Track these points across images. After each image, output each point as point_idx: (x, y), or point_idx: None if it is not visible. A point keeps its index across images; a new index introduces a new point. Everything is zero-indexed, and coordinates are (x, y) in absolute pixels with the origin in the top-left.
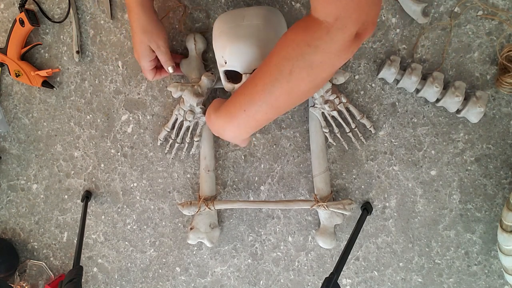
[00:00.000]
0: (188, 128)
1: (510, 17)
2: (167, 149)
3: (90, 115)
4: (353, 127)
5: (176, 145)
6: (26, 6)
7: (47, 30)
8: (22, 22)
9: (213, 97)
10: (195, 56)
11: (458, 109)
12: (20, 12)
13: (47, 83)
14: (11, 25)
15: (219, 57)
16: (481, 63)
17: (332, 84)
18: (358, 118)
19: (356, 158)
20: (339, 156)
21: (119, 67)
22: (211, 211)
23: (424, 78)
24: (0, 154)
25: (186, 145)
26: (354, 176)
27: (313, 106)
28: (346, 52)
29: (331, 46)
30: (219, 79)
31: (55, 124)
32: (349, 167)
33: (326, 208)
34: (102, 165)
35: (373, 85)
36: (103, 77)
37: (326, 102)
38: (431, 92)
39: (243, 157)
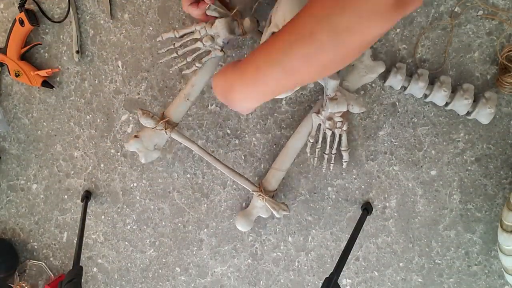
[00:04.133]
0: (196, 49)
1: (510, 17)
2: (163, 50)
3: (90, 115)
4: (332, 152)
5: (174, 55)
6: (26, 6)
7: (47, 30)
8: (22, 22)
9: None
10: None
11: (468, 111)
12: (20, 12)
13: (47, 83)
14: (11, 25)
15: (280, 17)
16: (481, 63)
17: (348, 109)
18: (342, 148)
19: (356, 158)
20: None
21: (119, 67)
22: (164, 135)
23: (431, 83)
24: (0, 154)
25: (184, 62)
26: (354, 176)
27: (317, 113)
28: (380, 20)
29: (361, 9)
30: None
31: (55, 124)
32: (349, 167)
33: (263, 200)
34: (102, 165)
35: (373, 85)
36: (103, 77)
37: (330, 119)
38: (439, 96)
39: (243, 157)
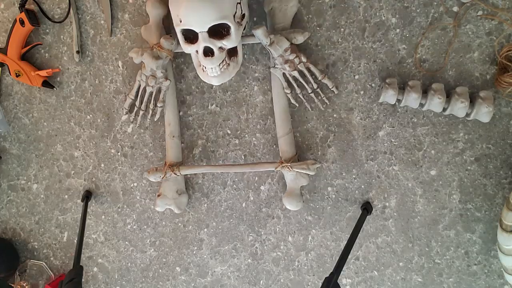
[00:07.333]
0: (151, 94)
1: (510, 17)
2: (132, 117)
3: (90, 115)
4: (315, 88)
5: (141, 112)
6: (26, 6)
7: (47, 30)
8: (22, 22)
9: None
10: (155, 21)
11: (467, 113)
12: (20, 12)
13: (47, 83)
14: (11, 25)
15: (175, 16)
16: (481, 63)
17: (291, 43)
18: (319, 78)
19: (356, 158)
20: (339, 156)
21: (119, 67)
22: (178, 177)
23: (425, 91)
24: (0, 154)
25: (151, 112)
26: (354, 176)
27: (274, 66)
28: None
29: None
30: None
31: (55, 124)
32: (349, 167)
33: (291, 169)
34: (102, 165)
35: (373, 85)
36: (103, 77)
37: (286, 62)
38: (435, 103)
39: (243, 157)
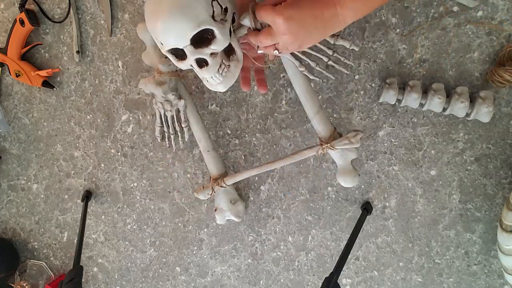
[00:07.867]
0: (172, 117)
1: (510, 17)
2: (167, 143)
3: (90, 115)
4: (331, 54)
5: (172, 136)
6: (26, 6)
7: (47, 30)
8: (22, 22)
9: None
10: (151, 45)
11: (467, 113)
12: (20, 12)
13: (47, 83)
14: (11, 25)
15: (156, 40)
16: (481, 63)
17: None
18: (332, 42)
19: (356, 158)
20: None
21: (119, 67)
22: (227, 188)
23: (425, 91)
24: (0, 154)
25: (179, 134)
26: None
27: (278, 54)
28: None
29: None
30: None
31: (55, 124)
32: None
33: (333, 148)
34: (102, 165)
35: (373, 85)
36: (103, 77)
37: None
38: (435, 103)
39: (243, 157)
